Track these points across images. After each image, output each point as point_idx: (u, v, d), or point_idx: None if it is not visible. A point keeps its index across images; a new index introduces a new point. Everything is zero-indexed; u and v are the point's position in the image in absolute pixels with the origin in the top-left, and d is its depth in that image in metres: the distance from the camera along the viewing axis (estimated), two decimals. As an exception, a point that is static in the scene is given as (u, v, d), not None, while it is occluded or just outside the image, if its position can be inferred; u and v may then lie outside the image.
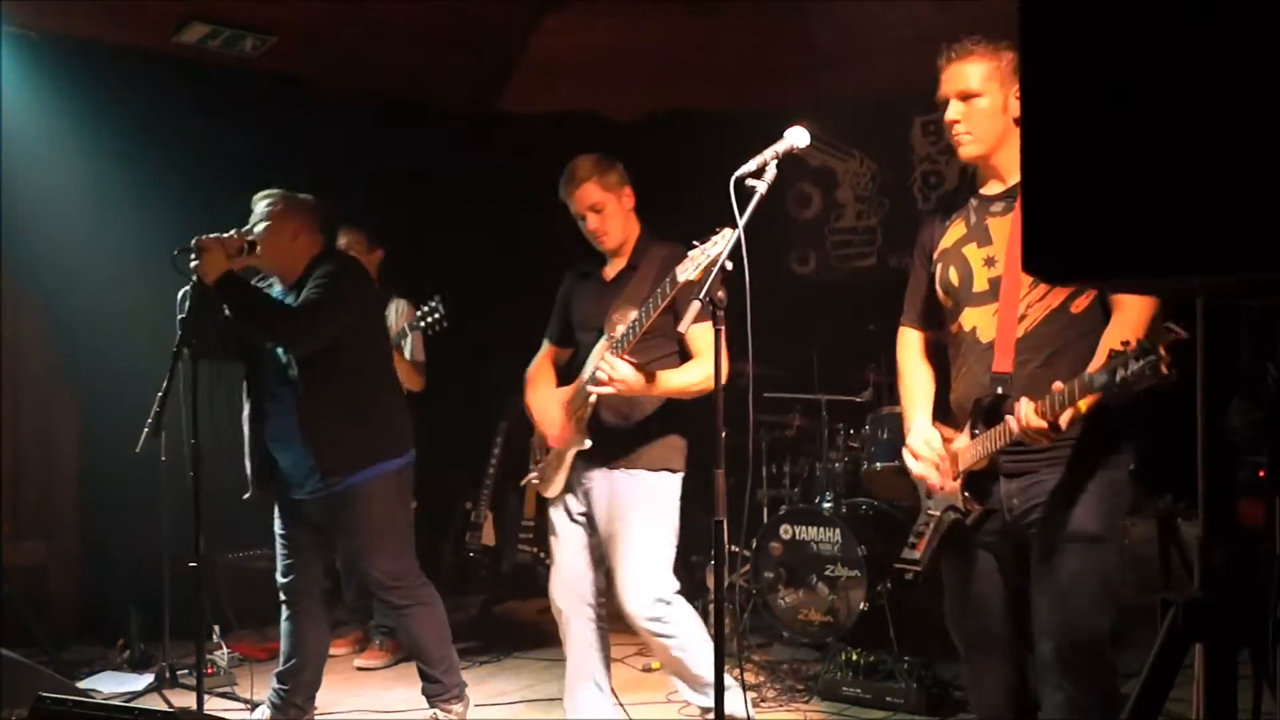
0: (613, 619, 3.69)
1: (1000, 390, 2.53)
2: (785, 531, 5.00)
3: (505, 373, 6.26)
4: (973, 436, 2.58)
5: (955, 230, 2.70)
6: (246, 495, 3.79)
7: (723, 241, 2.87)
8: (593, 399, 3.40)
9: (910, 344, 2.89)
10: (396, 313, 5.08)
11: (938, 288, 2.72)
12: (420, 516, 4.26)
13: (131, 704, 3.87)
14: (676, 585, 3.49)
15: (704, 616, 3.64)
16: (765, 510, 5.59)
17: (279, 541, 3.81)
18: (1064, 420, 2.33)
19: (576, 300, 3.69)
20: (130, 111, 5.29)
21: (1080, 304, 2.50)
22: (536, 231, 6.72)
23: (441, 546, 5.86)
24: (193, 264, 3.49)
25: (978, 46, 2.59)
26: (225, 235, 3.56)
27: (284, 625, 3.83)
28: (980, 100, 2.58)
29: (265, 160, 5.52)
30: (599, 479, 3.50)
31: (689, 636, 3.44)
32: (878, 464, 4.95)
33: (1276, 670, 1.43)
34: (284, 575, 3.80)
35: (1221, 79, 1.04)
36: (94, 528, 5.48)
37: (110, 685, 4.61)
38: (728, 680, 3.55)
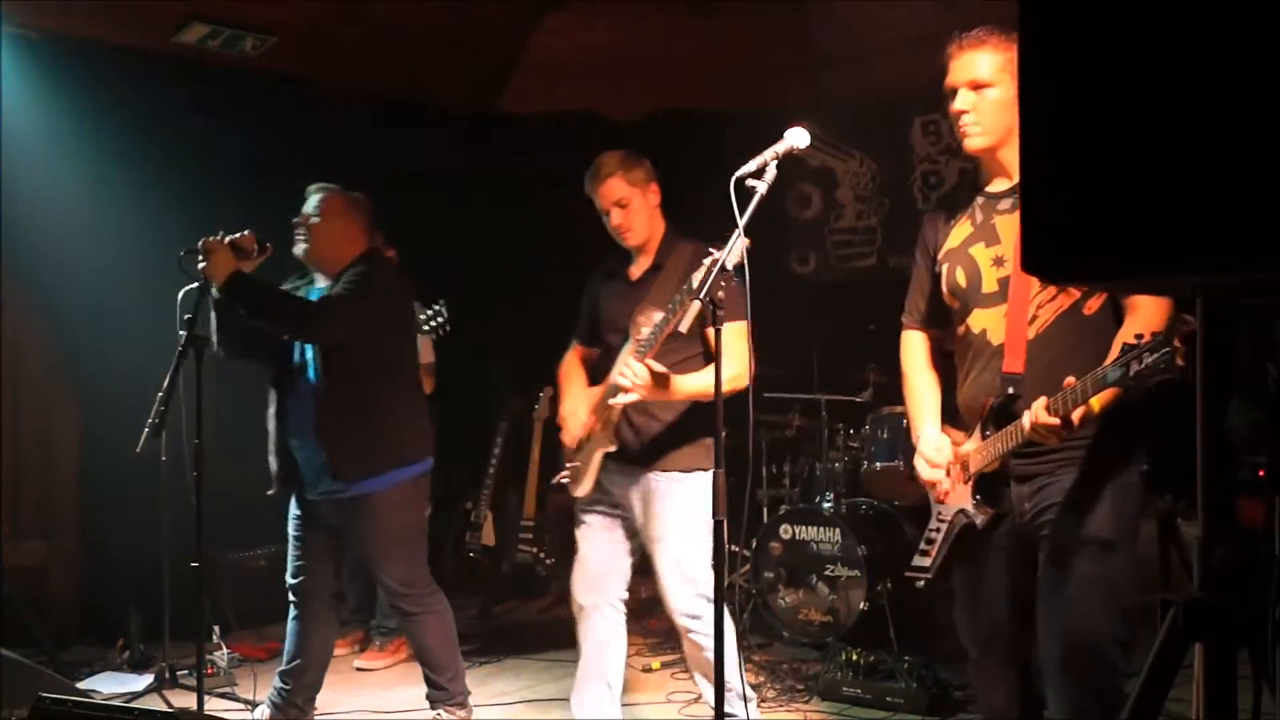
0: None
1: (1011, 391, 2.49)
2: (785, 531, 5.00)
3: (505, 373, 6.29)
4: (983, 438, 2.55)
5: (961, 229, 2.64)
6: (270, 492, 3.78)
7: (738, 244, 2.87)
8: (621, 400, 3.38)
9: (915, 347, 2.84)
10: None
11: (944, 289, 2.67)
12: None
13: (131, 704, 3.88)
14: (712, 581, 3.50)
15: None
16: (765, 510, 5.59)
17: (292, 541, 3.80)
18: (1076, 417, 2.29)
19: (603, 300, 3.66)
20: (130, 111, 5.29)
21: (1092, 305, 2.46)
22: (536, 231, 6.75)
23: (442, 547, 5.86)
24: (200, 265, 3.50)
25: (991, 36, 2.52)
26: (236, 235, 3.56)
27: (290, 625, 3.82)
28: (991, 91, 2.51)
29: (265, 160, 5.53)
30: (631, 481, 3.49)
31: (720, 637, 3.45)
32: (878, 464, 4.95)
33: (1276, 670, 1.43)
34: (294, 575, 3.79)
35: (1221, 79, 1.04)
36: (94, 528, 5.48)
37: (110, 685, 4.61)
38: (749, 693, 3.57)
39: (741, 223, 2.69)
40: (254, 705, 4.13)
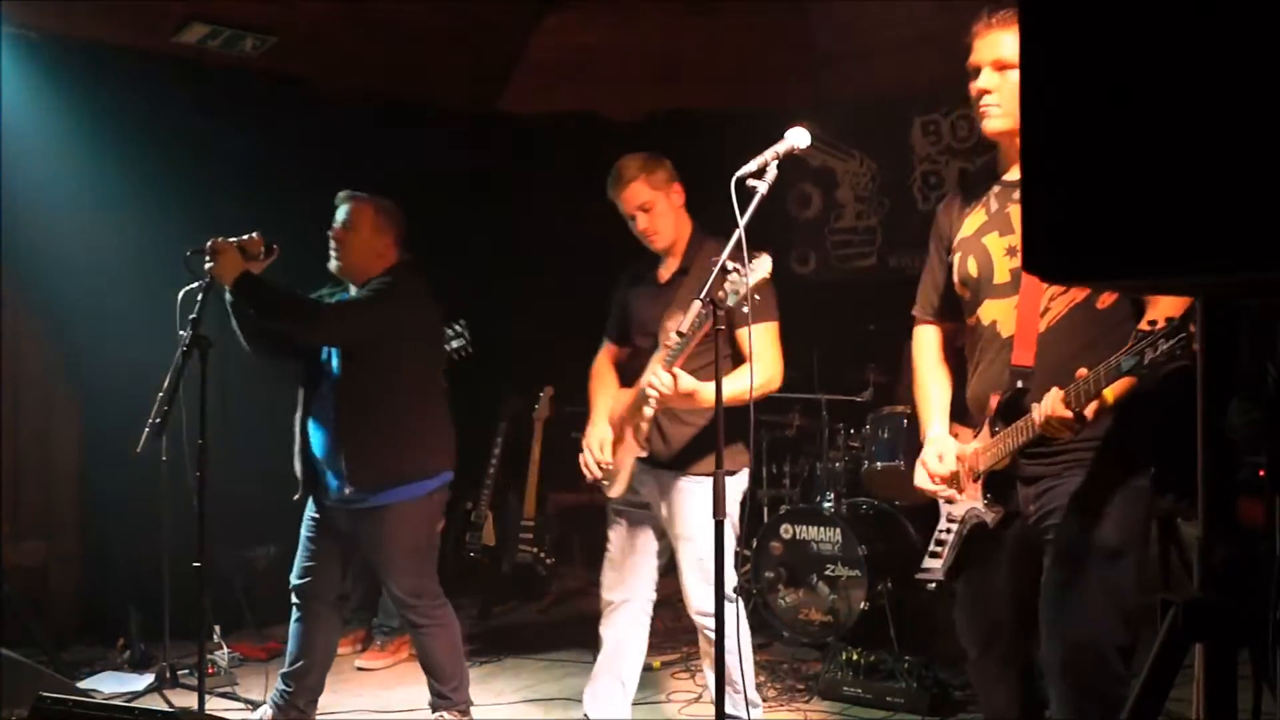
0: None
1: (1020, 385, 2.42)
2: (785, 531, 5.00)
3: (506, 373, 6.29)
4: (992, 435, 2.49)
5: (975, 218, 2.57)
6: (296, 497, 3.79)
7: (761, 268, 2.88)
8: (649, 411, 3.37)
9: (927, 342, 2.77)
10: None
11: (955, 278, 2.60)
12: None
13: (132, 704, 3.87)
14: (735, 581, 3.53)
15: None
16: (765, 510, 5.59)
17: (303, 542, 3.80)
18: (1090, 411, 2.23)
19: (632, 302, 3.66)
20: (130, 111, 5.29)
21: (1106, 299, 2.39)
22: (536, 232, 6.75)
23: (442, 547, 5.86)
24: (207, 266, 3.50)
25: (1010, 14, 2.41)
26: (244, 237, 3.56)
27: (293, 626, 3.81)
28: (1015, 73, 2.36)
29: (265, 160, 5.53)
30: (660, 482, 3.51)
31: (737, 639, 3.46)
32: (878, 464, 4.95)
33: (1276, 670, 1.43)
34: (300, 576, 3.78)
35: (1221, 79, 1.04)
36: (94, 528, 5.48)
37: (110, 685, 4.61)
38: (754, 697, 3.59)
39: (742, 222, 2.69)
40: (255, 705, 4.13)
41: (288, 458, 3.81)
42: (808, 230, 7.00)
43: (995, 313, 2.52)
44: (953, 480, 2.60)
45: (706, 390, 3.16)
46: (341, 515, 3.72)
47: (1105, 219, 1.10)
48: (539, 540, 6.01)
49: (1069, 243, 1.12)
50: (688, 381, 3.21)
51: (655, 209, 3.47)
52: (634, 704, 3.75)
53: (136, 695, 4.40)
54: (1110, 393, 2.23)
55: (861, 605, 4.70)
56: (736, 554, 4.93)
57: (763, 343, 3.38)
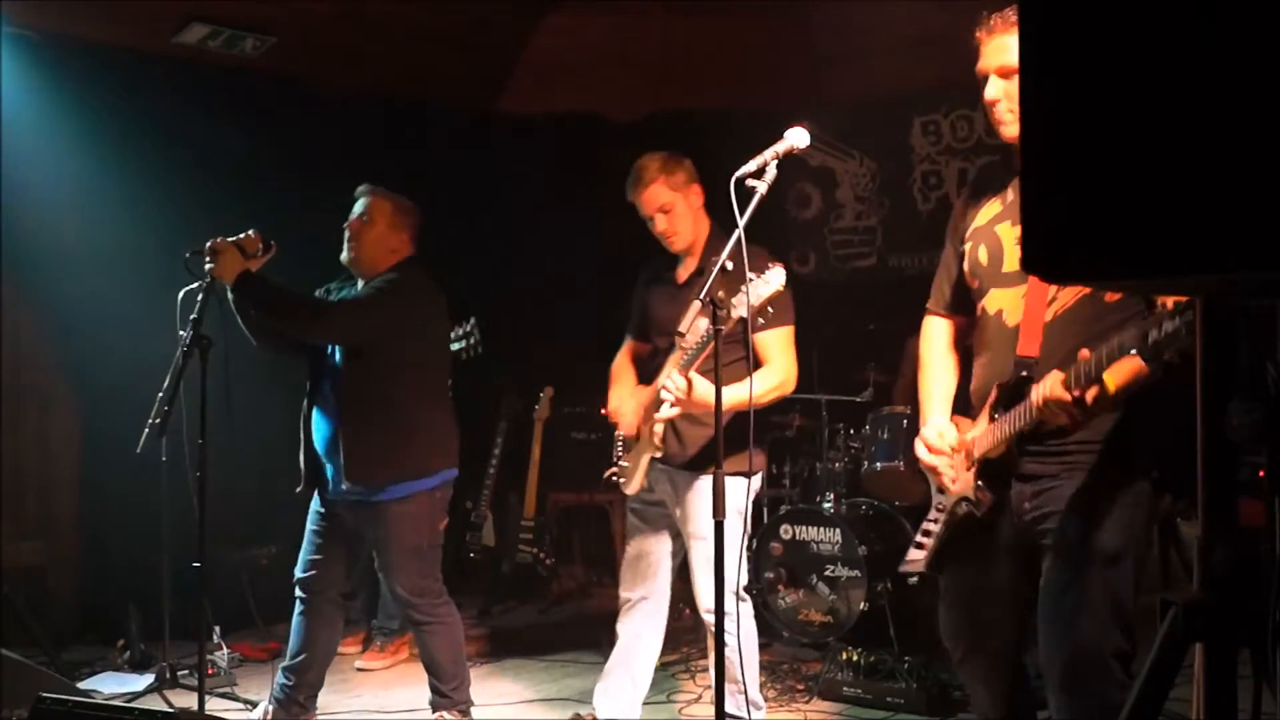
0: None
1: (1025, 374, 2.37)
2: (785, 531, 5.00)
3: (506, 373, 6.29)
4: (992, 420, 2.44)
5: (990, 208, 2.55)
6: (299, 490, 3.79)
7: (775, 279, 2.88)
8: (666, 415, 3.37)
9: (935, 332, 2.74)
10: None
11: (965, 267, 2.58)
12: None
13: (132, 704, 3.87)
14: (745, 580, 3.55)
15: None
16: (765, 510, 5.59)
17: (307, 537, 3.80)
18: (1089, 396, 2.17)
19: (651, 300, 3.68)
20: (130, 112, 5.29)
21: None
22: (536, 232, 6.75)
23: (442, 547, 5.86)
24: (207, 266, 3.50)
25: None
26: (242, 235, 3.56)
27: (295, 620, 3.81)
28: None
29: (265, 160, 5.54)
30: (676, 482, 3.53)
31: (744, 639, 3.49)
32: (878, 464, 4.95)
33: (1276, 670, 1.43)
34: (304, 570, 3.79)
35: (1221, 79, 1.04)
36: (94, 528, 5.48)
37: (110, 685, 4.61)
38: (757, 698, 3.60)
39: (742, 223, 2.70)
40: (255, 706, 4.13)
41: (289, 456, 3.82)
42: (807, 230, 7.00)
43: (1001, 302, 2.48)
44: (950, 456, 2.55)
45: (726, 393, 3.13)
46: (345, 510, 3.73)
47: (1105, 219, 1.10)
48: (539, 540, 6.02)
49: (1068, 243, 1.12)
50: (702, 387, 3.20)
51: (675, 210, 3.47)
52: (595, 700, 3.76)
53: (136, 695, 4.40)
54: (1112, 381, 2.17)
55: (861, 605, 4.70)
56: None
57: (778, 347, 3.39)
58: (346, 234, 3.75)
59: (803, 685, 4.44)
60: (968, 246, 2.58)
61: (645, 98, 6.55)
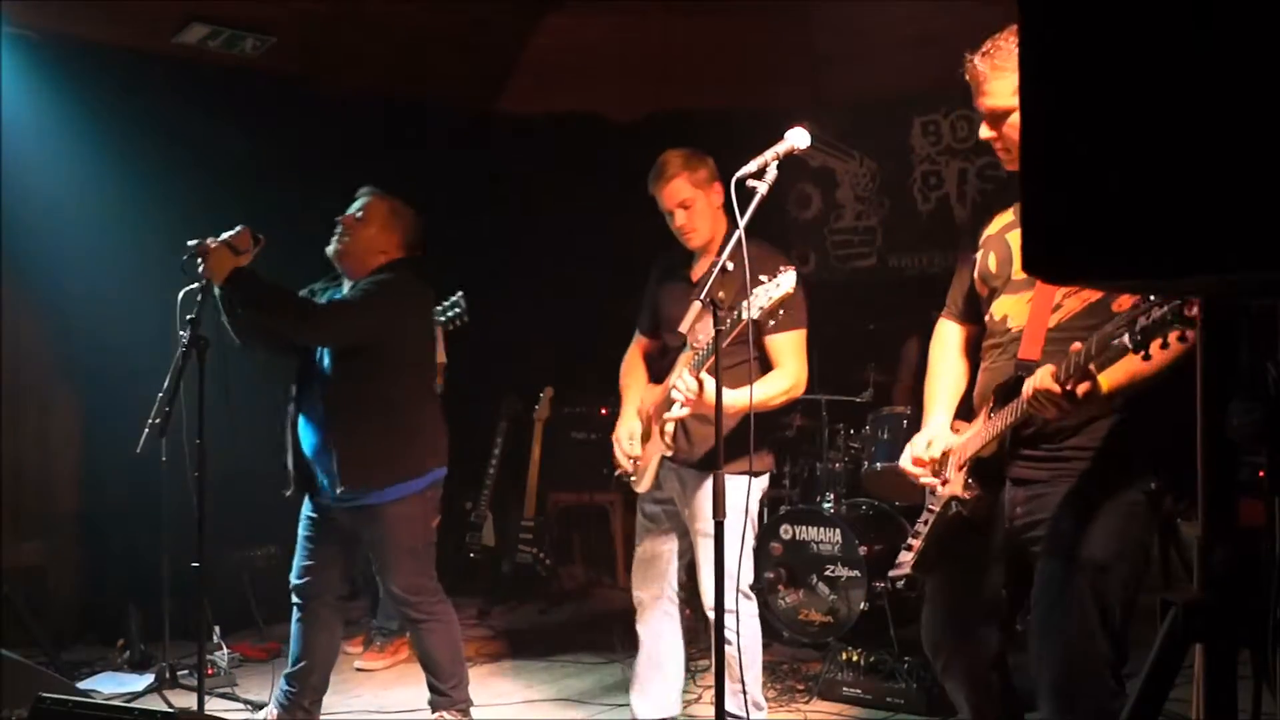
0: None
1: (1022, 375, 2.35)
2: (785, 532, 5.00)
3: (506, 373, 6.30)
4: (987, 420, 2.45)
5: (1003, 217, 2.57)
6: (288, 493, 3.79)
7: (786, 282, 2.88)
8: (676, 415, 3.36)
9: (945, 337, 2.75)
10: None
11: (976, 275, 2.59)
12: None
13: (131, 704, 3.87)
14: (751, 579, 3.56)
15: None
16: (765, 510, 5.59)
17: (300, 543, 3.79)
18: (1080, 390, 2.17)
19: (663, 297, 3.67)
20: (130, 112, 5.29)
21: (1124, 302, 2.30)
22: (536, 232, 6.75)
23: (442, 547, 5.85)
24: (200, 268, 3.50)
25: (999, 52, 2.37)
26: (231, 233, 3.56)
27: (294, 626, 3.81)
28: (1013, 116, 2.38)
29: (265, 160, 5.53)
30: (685, 480, 3.53)
31: (748, 638, 3.49)
32: (878, 464, 4.95)
33: (1276, 670, 1.43)
34: (299, 576, 3.78)
35: (1221, 79, 1.04)
36: (94, 528, 5.48)
37: (110, 685, 4.61)
38: (759, 698, 3.61)
39: (742, 223, 2.70)
40: (255, 706, 4.13)
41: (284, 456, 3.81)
42: (807, 230, 7.00)
43: (1007, 308, 2.50)
44: (933, 468, 2.56)
45: (731, 397, 3.11)
46: (339, 513, 3.73)
47: (1105, 219, 1.10)
48: (539, 540, 6.01)
49: (1069, 243, 1.12)
50: (713, 388, 3.20)
51: (695, 207, 3.48)
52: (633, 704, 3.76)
53: (136, 695, 4.40)
54: (1105, 380, 2.17)
55: (861, 605, 4.70)
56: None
57: (789, 350, 3.39)
58: (338, 228, 3.74)
59: (803, 685, 4.44)
60: (979, 255, 2.60)
61: (645, 98, 6.55)
